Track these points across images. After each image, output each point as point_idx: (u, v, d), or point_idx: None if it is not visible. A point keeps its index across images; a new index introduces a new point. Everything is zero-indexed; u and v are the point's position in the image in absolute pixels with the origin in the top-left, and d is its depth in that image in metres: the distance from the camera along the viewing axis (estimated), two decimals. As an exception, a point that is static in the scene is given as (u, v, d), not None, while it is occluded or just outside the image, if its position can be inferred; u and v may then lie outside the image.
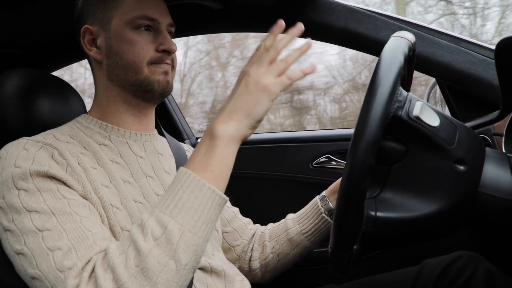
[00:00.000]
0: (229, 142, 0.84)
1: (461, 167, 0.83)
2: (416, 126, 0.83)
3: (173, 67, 1.09)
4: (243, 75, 0.86)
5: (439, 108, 0.89)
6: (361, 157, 0.74)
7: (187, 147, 1.33)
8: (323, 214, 1.23)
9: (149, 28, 1.06)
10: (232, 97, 0.86)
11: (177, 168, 1.14)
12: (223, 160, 0.84)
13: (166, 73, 1.06)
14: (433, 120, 0.83)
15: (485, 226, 0.93)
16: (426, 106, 0.84)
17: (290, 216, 1.31)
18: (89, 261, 0.80)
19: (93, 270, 0.78)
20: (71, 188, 0.90)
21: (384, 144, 0.85)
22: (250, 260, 1.29)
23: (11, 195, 0.86)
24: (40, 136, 0.98)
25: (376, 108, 0.74)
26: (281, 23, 0.89)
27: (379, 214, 0.83)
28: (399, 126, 0.83)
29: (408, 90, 1.03)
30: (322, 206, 1.24)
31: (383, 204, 0.86)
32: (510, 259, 1.17)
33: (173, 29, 1.12)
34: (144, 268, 0.75)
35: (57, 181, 0.89)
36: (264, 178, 1.85)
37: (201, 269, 1.04)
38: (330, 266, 0.86)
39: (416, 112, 0.82)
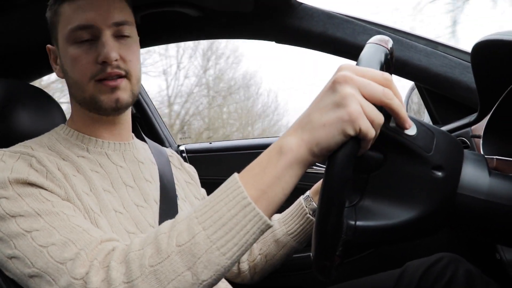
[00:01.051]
0: (293, 161, 0.70)
1: (439, 173, 0.84)
2: (393, 136, 0.83)
3: (128, 75, 1.01)
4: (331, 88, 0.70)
5: (416, 115, 0.89)
6: (338, 170, 0.74)
7: (170, 152, 1.31)
8: (308, 214, 1.23)
9: (91, 37, 0.98)
10: (310, 108, 0.71)
11: (160, 174, 1.13)
12: (281, 183, 0.71)
13: (112, 91, 0.99)
14: (410, 130, 0.84)
15: (465, 227, 0.94)
16: None
17: (275, 217, 1.31)
18: (97, 250, 0.77)
19: (108, 260, 0.74)
20: (53, 193, 0.88)
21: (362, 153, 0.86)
22: (239, 262, 1.28)
23: None
24: (17, 147, 0.97)
25: None
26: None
27: (358, 223, 0.84)
28: (376, 137, 0.84)
29: None
30: (306, 207, 1.24)
31: (363, 212, 0.86)
32: (490, 259, 1.18)
33: (125, 28, 1.01)
34: (157, 270, 0.70)
35: (38, 187, 0.87)
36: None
37: None
38: (313, 271, 0.86)
39: (392, 122, 0.83)
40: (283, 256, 1.26)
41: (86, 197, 0.93)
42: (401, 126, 0.75)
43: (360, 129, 0.67)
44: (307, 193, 1.27)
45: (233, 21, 1.50)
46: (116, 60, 0.97)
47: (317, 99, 0.70)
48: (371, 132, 0.68)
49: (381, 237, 0.87)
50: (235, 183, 0.72)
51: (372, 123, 0.68)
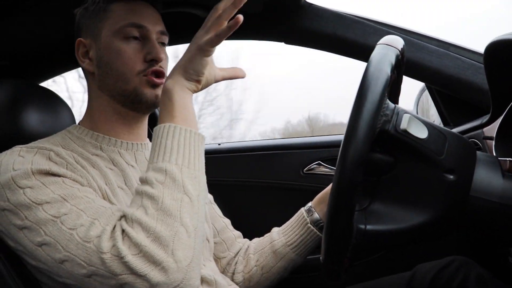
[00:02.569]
0: (179, 90, 0.90)
1: (451, 177, 0.83)
2: (404, 140, 0.82)
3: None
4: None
5: (427, 118, 0.88)
6: (348, 174, 0.73)
7: None
8: (309, 225, 1.21)
9: (138, 37, 1.05)
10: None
11: None
12: (182, 105, 0.90)
13: (154, 86, 1.05)
14: (421, 132, 0.83)
15: (477, 230, 0.93)
16: (414, 118, 0.83)
17: (275, 229, 1.29)
18: (115, 226, 0.81)
19: (122, 231, 0.79)
20: (75, 181, 0.91)
21: (372, 156, 0.85)
22: (233, 273, 1.26)
23: (17, 195, 0.86)
24: (33, 143, 0.98)
25: (362, 124, 0.73)
26: None
27: (368, 227, 0.83)
28: (386, 140, 0.83)
29: (398, 95, 1.03)
30: (307, 217, 1.22)
31: (373, 216, 0.85)
32: (502, 263, 1.17)
33: (165, 38, 1.10)
34: (165, 209, 0.80)
35: (61, 176, 0.89)
36: (255, 185, 1.84)
37: None
38: (322, 275, 0.85)
39: (403, 125, 0.82)
40: (280, 269, 1.24)
41: (104, 189, 0.96)
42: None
43: (209, 45, 0.88)
44: (309, 204, 1.25)
45: (243, 22, 1.49)
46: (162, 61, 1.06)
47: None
48: (216, 38, 0.88)
49: (391, 241, 0.86)
50: (159, 127, 0.89)
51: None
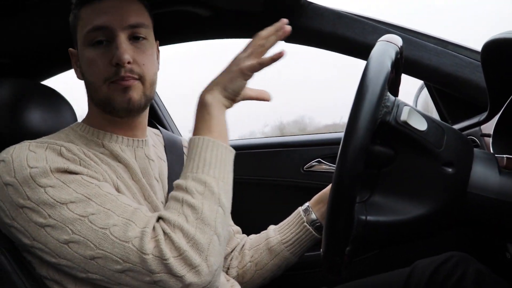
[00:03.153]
0: (217, 106, 0.96)
1: (449, 170, 0.84)
2: (404, 131, 0.83)
3: (142, 79, 1.02)
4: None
5: (426, 112, 0.89)
6: (350, 164, 0.74)
7: (185, 142, 1.29)
8: (305, 223, 1.22)
9: (106, 40, 1.00)
10: (218, 75, 0.98)
11: (169, 172, 1.14)
12: (219, 121, 0.96)
13: (125, 90, 1.00)
14: (420, 125, 0.84)
15: (475, 226, 0.94)
16: (414, 110, 0.85)
17: (272, 226, 1.30)
18: (154, 228, 0.86)
19: (164, 233, 0.85)
20: (92, 177, 0.93)
21: (373, 148, 0.85)
22: (228, 268, 1.26)
23: (38, 194, 0.87)
24: (41, 139, 0.99)
25: (364, 114, 0.74)
26: (286, 20, 0.97)
27: (369, 218, 0.84)
28: (387, 131, 0.84)
29: (396, 93, 1.04)
30: (304, 216, 1.23)
31: (373, 208, 0.86)
32: (500, 258, 1.18)
33: (139, 30, 1.02)
34: (203, 218, 0.86)
35: (78, 173, 0.91)
36: (255, 183, 1.85)
37: None
38: (322, 269, 0.86)
39: (404, 117, 0.83)
40: (274, 266, 1.24)
41: (117, 184, 0.99)
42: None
43: (249, 71, 0.94)
44: (307, 204, 1.26)
45: (243, 20, 1.50)
46: (129, 62, 0.98)
47: (222, 71, 0.99)
48: (258, 66, 0.94)
49: (392, 233, 0.87)
50: (198, 139, 0.94)
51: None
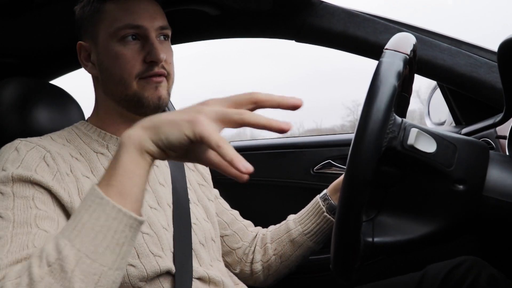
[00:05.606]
0: (132, 151, 0.69)
1: (461, 186, 0.82)
2: (411, 155, 0.81)
3: (168, 76, 1.04)
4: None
5: (437, 128, 0.87)
6: (355, 195, 0.73)
7: None
8: (325, 213, 1.21)
9: (137, 37, 1.02)
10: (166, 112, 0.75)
11: (172, 179, 1.12)
12: (126, 172, 0.69)
13: (156, 88, 1.02)
14: (429, 147, 0.82)
15: (490, 230, 0.92)
16: (422, 132, 0.82)
17: (291, 217, 1.30)
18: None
19: None
20: (54, 196, 0.88)
21: (380, 168, 0.84)
22: (252, 263, 1.27)
23: None
24: (35, 138, 0.98)
25: (367, 145, 0.71)
26: (299, 102, 0.68)
27: (376, 239, 0.83)
28: (393, 156, 0.82)
29: (409, 93, 1.02)
30: (323, 206, 1.22)
31: (380, 227, 0.85)
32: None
33: (167, 32, 1.06)
34: None
35: (39, 187, 0.87)
36: (265, 184, 1.84)
37: (199, 279, 1.03)
38: (332, 273, 0.85)
39: (411, 140, 0.81)
40: (299, 257, 1.25)
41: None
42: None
43: (199, 136, 0.65)
44: (325, 191, 1.25)
45: (252, 19, 1.49)
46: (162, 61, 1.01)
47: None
48: (207, 141, 0.65)
49: (399, 252, 0.86)
50: (92, 189, 0.70)
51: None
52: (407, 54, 0.79)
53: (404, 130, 0.82)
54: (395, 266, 1.55)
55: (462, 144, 0.84)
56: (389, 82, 0.74)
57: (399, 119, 0.83)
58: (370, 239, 0.82)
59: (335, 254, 0.79)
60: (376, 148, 0.72)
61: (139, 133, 0.70)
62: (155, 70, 1.01)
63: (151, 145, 0.69)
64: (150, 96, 1.01)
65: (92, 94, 1.12)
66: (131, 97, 1.02)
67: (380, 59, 0.78)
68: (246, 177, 0.66)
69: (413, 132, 0.81)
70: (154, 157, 0.70)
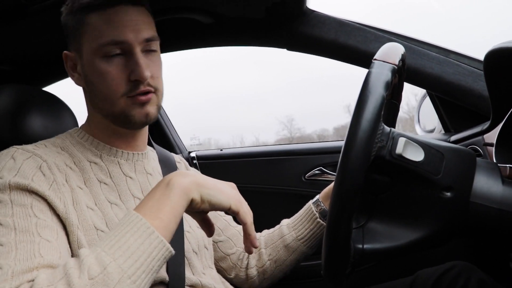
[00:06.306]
0: (182, 193, 0.81)
1: (448, 194, 0.84)
2: (399, 164, 0.83)
3: (156, 91, 1.02)
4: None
5: (425, 137, 0.88)
6: (343, 204, 0.74)
7: (178, 158, 1.30)
8: (318, 219, 1.23)
9: (121, 52, 0.98)
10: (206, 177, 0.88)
11: None
12: (174, 210, 0.79)
13: (143, 105, 0.99)
14: (417, 155, 0.83)
15: (478, 235, 0.93)
16: (410, 141, 0.83)
17: (284, 222, 1.31)
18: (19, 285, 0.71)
19: None
20: (50, 205, 0.87)
21: (369, 176, 0.85)
22: (247, 268, 1.27)
23: None
24: (30, 146, 0.97)
25: (355, 156, 0.72)
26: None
27: (366, 246, 0.84)
28: (382, 164, 0.84)
29: (399, 101, 1.04)
30: (316, 211, 1.23)
31: (370, 233, 0.86)
32: (502, 268, 1.17)
33: (154, 44, 1.02)
34: None
35: (36, 196, 0.86)
36: (257, 191, 1.85)
37: (192, 286, 1.03)
38: (323, 278, 0.86)
39: (399, 150, 0.82)
40: (293, 261, 1.26)
41: (91, 213, 0.92)
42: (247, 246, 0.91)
43: (237, 211, 0.86)
44: (317, 197, 1.26)
45: (245, 28, 1.50)
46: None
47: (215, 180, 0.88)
48: (242, 218, 0.87)
49: (389, 258, 0.88)
50: (136, 216, 0.76)
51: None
52: (395, 65, 0.80)
53: (393, 139, 0.83)
54: (386, 271, 1.56)
55: (449, 152, 0.85)
56: (377, 92, 0.74)
57: (387, 128, 0.85)
58: (360, 246, 0.84)
59: (326, 260, 0.80)
60: (364, 158, 0.73)
61: (192, 185, 0.83)
62: (140, 88, 0.98)
63: (198, 197, 0.83)
64: (137, 114, 0.99)
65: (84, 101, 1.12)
66: (118, 114, 1.00)
67: (369, 70, 0.78)
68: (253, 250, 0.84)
69: (401, 141, 0.83)
70: (191, 204, 0.83)
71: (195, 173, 0.87)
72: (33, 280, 0.72)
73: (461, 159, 0.86)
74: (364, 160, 0.73)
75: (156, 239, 0.75)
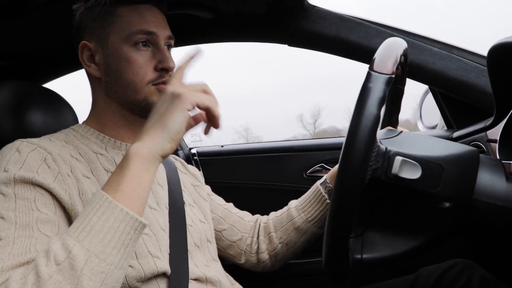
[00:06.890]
0: (143, 159, 0.80)
1: (447, 204, 0.83)
2: (395, 183, 0.83)
3: None
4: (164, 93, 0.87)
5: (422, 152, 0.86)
6: (340, 225, 0.74)
7: (172, 158, 1.30)
8: (327, 200, 1.23)
9: (147, 43, 1.04)
10: (150, 115, 0.86)
11: (168, 179, 1.13)
12: (135, 178, 0.78)
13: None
14: (414, 173, 0.82)
15: (481, 233, 0.93)
16: (406, 160, 0.82)
17: (292, 204, 1.31)
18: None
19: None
20: (55, 198, 0.88)
21: (365, 192, 0.85)
22: (257, 253, 1.29)
23: None
24: (35, 139, 0.97)
25: (350, 181, 0.72)
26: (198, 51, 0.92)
27: (365, 256, 0.84)
28: (378, 184, 0.83)
29: (403, 84, 1.03)
30: (325, 192, 1.24)
31: (369, 243, 0.87)
32: (505, 266, 1.17)
33: (172, 42, 1.09)
34: None
35: (40, 189, 0.87)
36: (258, 188, 1.84)
37: (196, 279, 1.03)
38: (325, 276, 0.85)
39: (395, 170, 0.82)
40: (304, 242, 1.27)
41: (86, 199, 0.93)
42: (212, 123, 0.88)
43: (196, 103, 0.83)
44: (324, 177, 1.27)
45: (246, 23, 1.50)
46: None
47: (154, 108, 0.86)
48: (206, 103, 0.84)
49: (388, 265, 0.88)
50: (98, 193, 0.76)
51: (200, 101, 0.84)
52: (389, 74, 0.77)
53: (388, 159, 0.83)
54: (388, 269, 1.55)
55: (449, 163, 0.84)
56: (372, 114, 0.72)
57: (383, 147, 0.84)
58: (358, 256, 0.84)
59: (326, 260, 0.80)
60: (358, 182, 0.72)
61: (153, 142, 0.81)
62: (165, 77, 1.04)
63: (166, 145, 0.82)
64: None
65: (85, 98, 1.11)
66: (140, 101, 1.03)
67: (364, 83, 0.76)
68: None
69: (397, 160, 0.82)
70: (166, 156, 0.83)
71: (148, 127, 0.84)
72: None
73: (461, 169, 0.85)
74: (358, 185, 0.72)
75: (120, 212, 0.74)
